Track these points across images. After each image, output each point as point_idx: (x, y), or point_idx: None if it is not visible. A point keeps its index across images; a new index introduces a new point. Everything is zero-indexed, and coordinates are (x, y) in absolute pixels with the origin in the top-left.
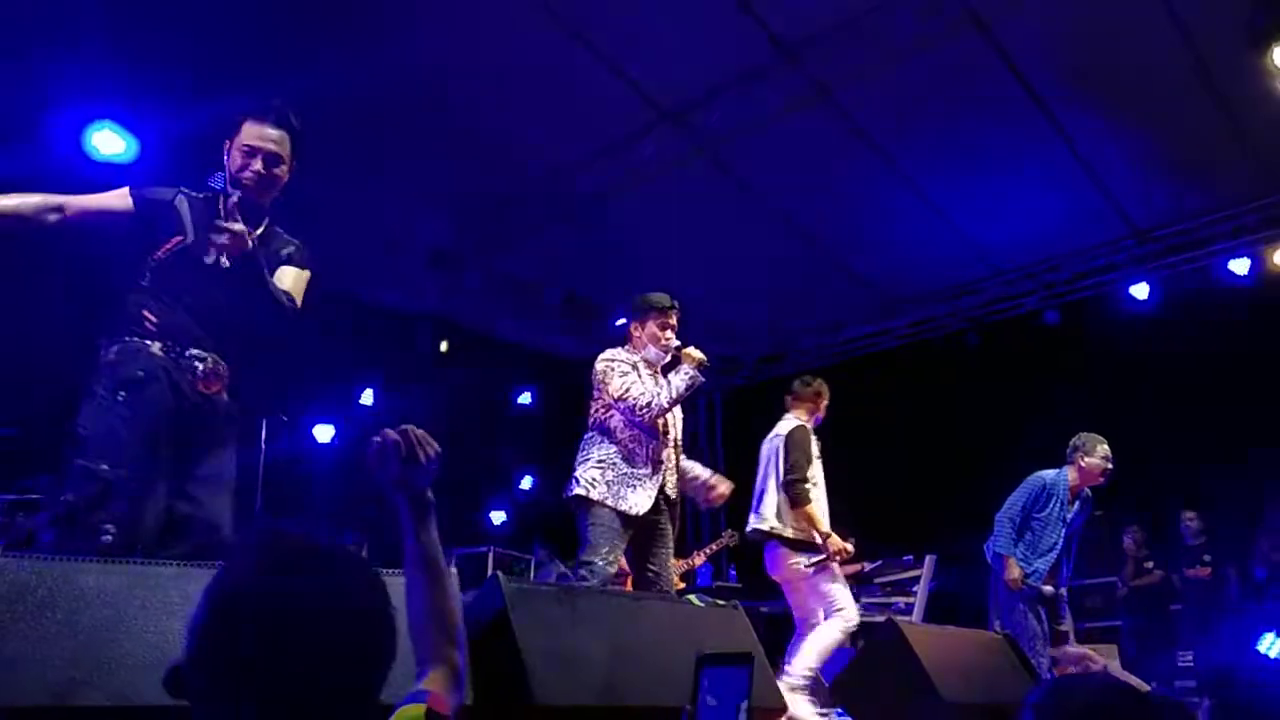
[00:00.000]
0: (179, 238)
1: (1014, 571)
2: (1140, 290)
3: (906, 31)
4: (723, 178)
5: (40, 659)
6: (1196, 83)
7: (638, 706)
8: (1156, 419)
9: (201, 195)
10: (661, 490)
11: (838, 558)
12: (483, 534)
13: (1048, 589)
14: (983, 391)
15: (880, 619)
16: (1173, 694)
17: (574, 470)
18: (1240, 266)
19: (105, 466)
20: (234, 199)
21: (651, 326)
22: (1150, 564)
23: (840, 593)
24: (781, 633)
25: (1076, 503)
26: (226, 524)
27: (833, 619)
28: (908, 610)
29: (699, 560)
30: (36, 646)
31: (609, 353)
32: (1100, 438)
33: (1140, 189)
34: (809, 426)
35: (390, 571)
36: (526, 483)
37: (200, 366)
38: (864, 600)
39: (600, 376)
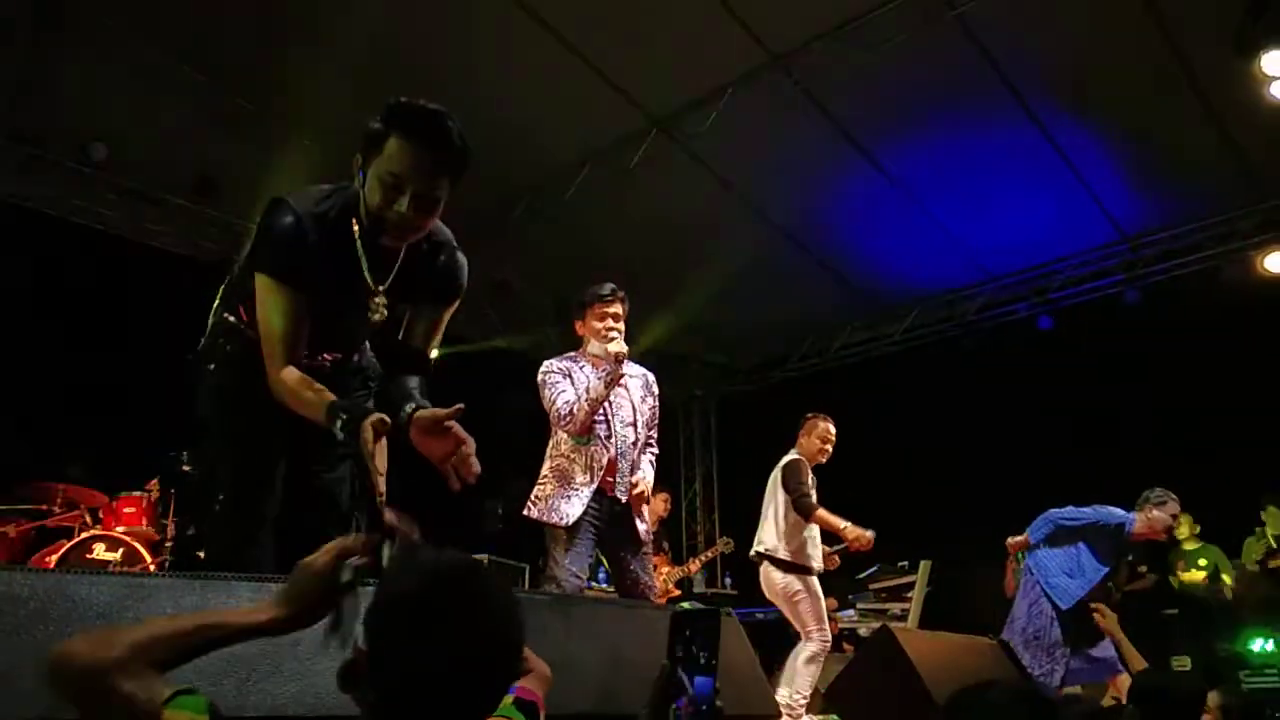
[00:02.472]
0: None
1: (1019, 539)
2: (1132, 295)
3: (896, 40)
4: (714, 184)
5: (33, 671)
6: (1185, 89)
7: (633, 713)
8: (1148, 424)
9: (325, 211)
10: (610, 495)
11: (861, 546)
12: (478, 541)
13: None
14: (976, 398)
15: (875, 625)
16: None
17: None
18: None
19: None
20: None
21: (591, 320)
22: (1144, 568)
23: (817, 616)
24: (776, 641)
25: (1129, 554)
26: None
27: (810, 642)
28: (902, 616)
29: (695, 567)
30: (29, 659)
31: (546, 363)
32: (1173, 496)
33: (1131, 195)
34: (805, 462)
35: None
36: (520, 489)
37: None
38: (859, 606)
39: (539, 389)
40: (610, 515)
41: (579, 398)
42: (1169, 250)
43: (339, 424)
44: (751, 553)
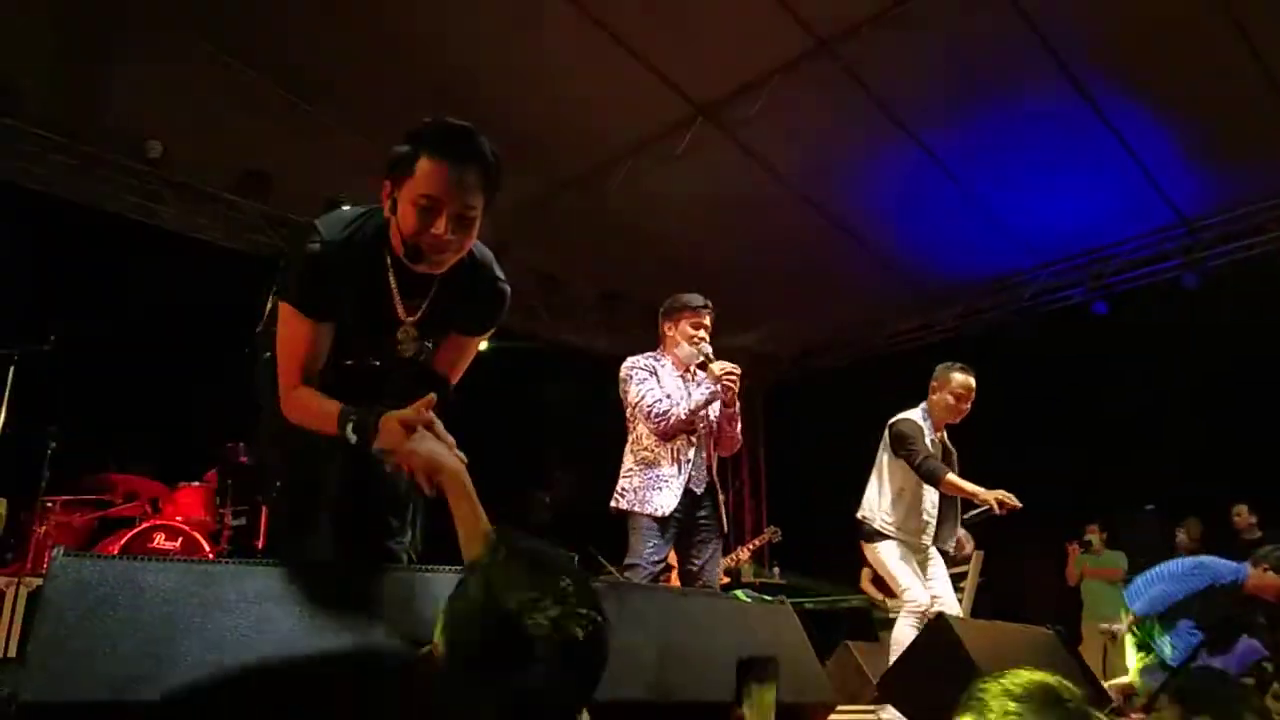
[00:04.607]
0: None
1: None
2: (1190, 280)
3: (946, 22)
4: (760, 172)
5: (102, 655)
6: (1246, 63)
7: (686, 702)
8: (1207, 411)
9: (354, 238)
10: (688, 487)
11: (1010, 506)
12: (525, 532)
13: None
14: (1029, 385)
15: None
16: None
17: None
18: None
19: None
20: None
21: (685, 326)
22: None
23: (905, 577)
24: (827, 629)
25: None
26: None
27: (903, 611)
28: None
29: (744, 556)
30: (97, 643)
31: (630, 359)
32: None
33: (1189, 177)
34: (918, 420)
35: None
36: (564, 480)
37: None
38: None
39: (622, 385)
40: (689, 507)
41: (676, 404)
42: (1229, 233)
43: (349, 428)
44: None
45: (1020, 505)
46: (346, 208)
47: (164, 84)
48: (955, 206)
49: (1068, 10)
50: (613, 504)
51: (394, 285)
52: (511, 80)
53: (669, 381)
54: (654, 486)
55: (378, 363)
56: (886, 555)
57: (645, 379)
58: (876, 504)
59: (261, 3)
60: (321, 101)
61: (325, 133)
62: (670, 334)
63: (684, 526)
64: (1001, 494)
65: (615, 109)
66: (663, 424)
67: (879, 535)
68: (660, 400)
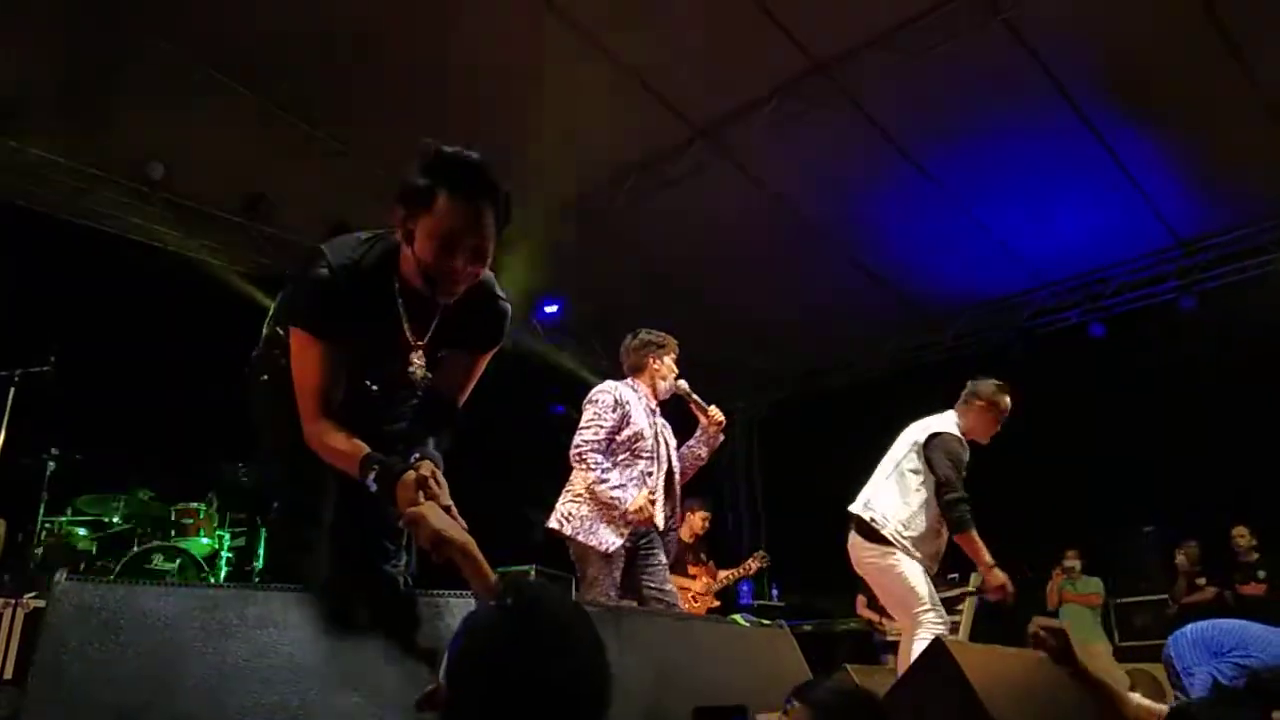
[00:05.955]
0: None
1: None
2: (1188, 302)
3: (943, 46)
4: (758, 193)
5: (104, 680)
6: (1241, 87)
7: None
8: (1206, 432)
9: (362, 262)
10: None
11: (1000, 596)
12: (526, 552)
13: None
14: (1028, 407)
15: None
16: None
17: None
18: None
19: None
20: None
21: (669, 361)
22: (1203, 580)
23: (928, 596)
24: (825, 651)
25: None
26: None
27: (920, 628)
28: (953, 630)
29: (728, 579)
30: (99, 668)
31: (609, 383)
32: None
33: (1186, 199)
34: (960, 435)
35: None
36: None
37: None
38: None
39: (585, 405)
40: (640, 537)
41: (600, 461)
42: (1226, 255)
43: (371, 478)
44: (851, 508)
45: (1013, 603)
46: (361, 234)
47: (166, 105)
48: (954, 227)
49: (1064, 34)
50: (552, 525)
51: (402, 310)
52: (510, 102)
53: (639, 416)
54: (604, 520)
55: (376, 387)
56: (908, 568)
57: (610, 406)
58: (893, 512)
59: (263, 26)
60: (322, 124)
61: (326, 155)
62: (657, 367)
63: (631, 554)
64: (1006, 581)
65: (615, 131)
66: (574, 455)
67: (888, 544)
68: (598, 445)
